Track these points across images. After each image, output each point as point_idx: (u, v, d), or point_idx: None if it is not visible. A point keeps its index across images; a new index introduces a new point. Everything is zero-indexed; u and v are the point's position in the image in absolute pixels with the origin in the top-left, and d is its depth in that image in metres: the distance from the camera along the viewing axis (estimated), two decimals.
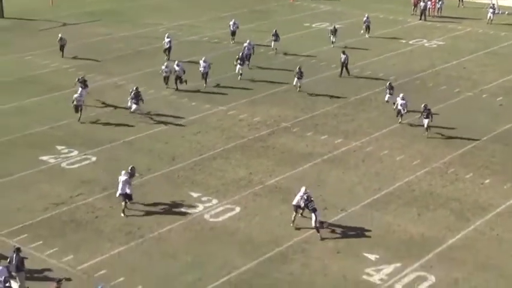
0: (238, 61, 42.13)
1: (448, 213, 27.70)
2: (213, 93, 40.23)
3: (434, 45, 50.41)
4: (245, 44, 44.10)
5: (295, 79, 40.12)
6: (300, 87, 40.09)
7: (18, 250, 22.67)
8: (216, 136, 34.59)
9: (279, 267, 24.11)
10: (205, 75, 40.66)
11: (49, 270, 23.79)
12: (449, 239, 25.94)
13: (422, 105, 34.72)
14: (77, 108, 35.91)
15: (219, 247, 25.24)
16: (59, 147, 33.17)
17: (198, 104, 38.59)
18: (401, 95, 35.93)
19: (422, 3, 57.12)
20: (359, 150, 33.24)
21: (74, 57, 46.10)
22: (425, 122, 34.56)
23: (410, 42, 51.01)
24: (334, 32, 48.36)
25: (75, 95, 35.91)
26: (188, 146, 33.50)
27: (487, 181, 30.29)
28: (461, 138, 34.57)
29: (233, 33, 49.43)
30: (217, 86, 41.23)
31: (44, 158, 31.97)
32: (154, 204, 27.78)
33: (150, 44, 49.20)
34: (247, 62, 43.31)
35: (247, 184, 29.90)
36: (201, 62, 40.93)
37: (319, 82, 42.08)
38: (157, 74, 41.24)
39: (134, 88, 36.82)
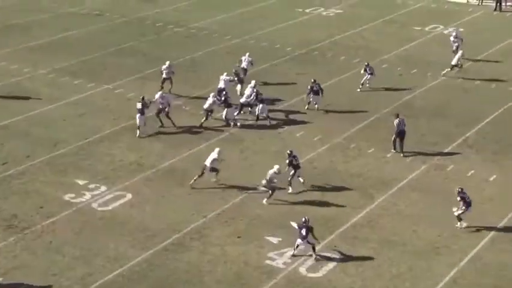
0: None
1: (350, 191, 27.23)
2: (98, 69, 38.28)
3: (332, 14, 49.70)
4: None
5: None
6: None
7: None
8: (103, 118, 32.93)
9: (176, 256, 23.36)
10: None
11: None
12: (352, 217, 25.51)
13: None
14: None
15: (109, 238, 24.25)
16: None
17: (81, 83, 36.72)
18: (252, 82, 33.14)
19: None
20: (257, 128, 32.26)
21: None
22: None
23: (307, 10, 50.10)
24: None
25: None
26: (71, 129, 31.87)
27: (389, 155, 29.95)
28: (361, 111, 33.99)
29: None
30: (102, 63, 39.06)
31: None
32: (36, 194, 26.34)
33: (23, 18, 46.23)
34: None
35: (138, 168, 28.71)
36: None
37: (215, 55, 40.64)
38: (31, 50, 38.37)
39: None
